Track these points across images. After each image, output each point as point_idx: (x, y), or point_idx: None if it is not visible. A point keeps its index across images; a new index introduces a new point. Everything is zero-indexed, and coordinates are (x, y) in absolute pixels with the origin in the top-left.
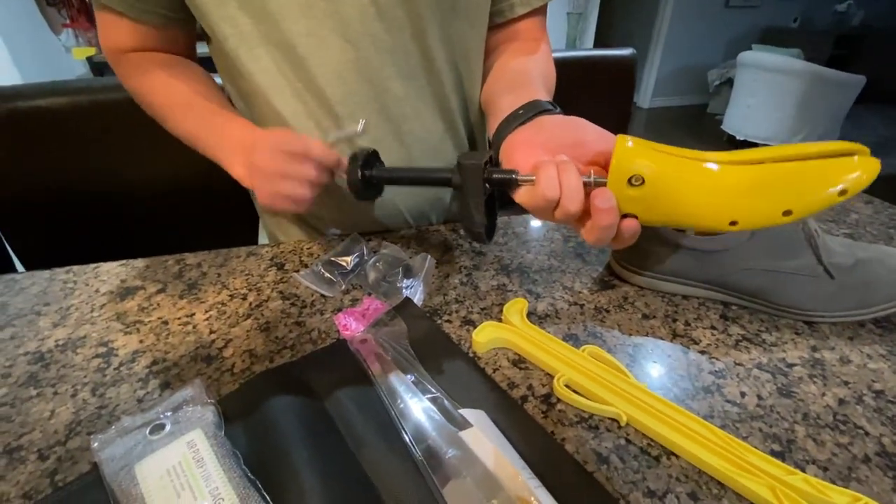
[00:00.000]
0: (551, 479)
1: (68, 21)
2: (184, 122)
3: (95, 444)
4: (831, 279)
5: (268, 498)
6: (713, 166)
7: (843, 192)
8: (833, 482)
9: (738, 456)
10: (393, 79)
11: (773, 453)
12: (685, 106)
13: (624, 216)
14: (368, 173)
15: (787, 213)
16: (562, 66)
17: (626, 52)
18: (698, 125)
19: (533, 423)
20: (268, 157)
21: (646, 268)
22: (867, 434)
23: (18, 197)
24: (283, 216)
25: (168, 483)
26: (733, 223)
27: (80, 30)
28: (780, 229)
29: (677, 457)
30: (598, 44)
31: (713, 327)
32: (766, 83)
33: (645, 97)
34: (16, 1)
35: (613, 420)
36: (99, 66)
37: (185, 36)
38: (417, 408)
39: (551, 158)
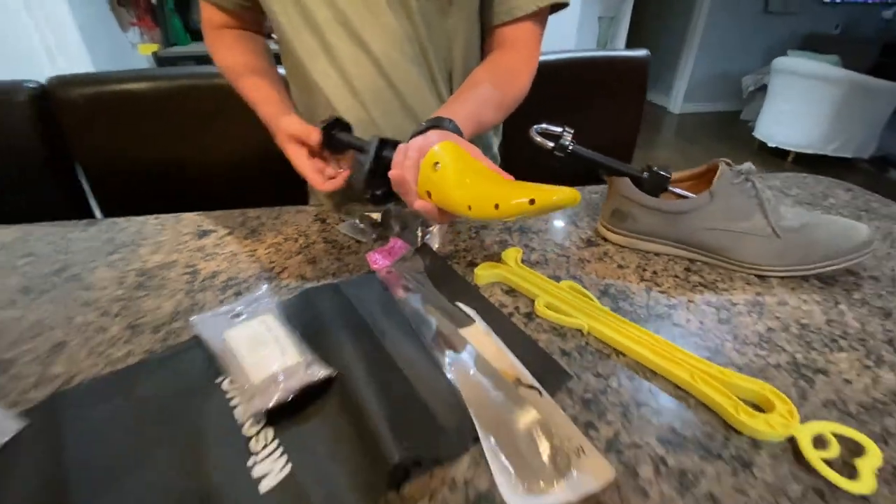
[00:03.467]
0: (526, 362)
1: (135, 20)
2: (242, 91)
3: (193, 319)
4: (778, 238)
5: (319, 358)
6: (483, 171)
7: (532, 202)
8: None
9: (668, 352)
10: (400, 64)
11: (697, 349)
12: (718, 112)
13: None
14: (334, 133)
15: (496, 206)
16: (577, 66)
17: (639, 53)
18: (730, 131)
19: (515, 327)
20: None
21: (624, 228)
22: (783, 350)
23: (108, 163)
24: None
25: (250, 342)
26: (469, 208)
27: (144, 28)
28: (735, 195)
29: (624, 356)
30: (630, 47)
31: (676, 276)
32: (801, 90)
33: (676, 103)
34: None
35: (578, 330)
36: (162, 61)
37: (255, 19)
38: (430, 314)
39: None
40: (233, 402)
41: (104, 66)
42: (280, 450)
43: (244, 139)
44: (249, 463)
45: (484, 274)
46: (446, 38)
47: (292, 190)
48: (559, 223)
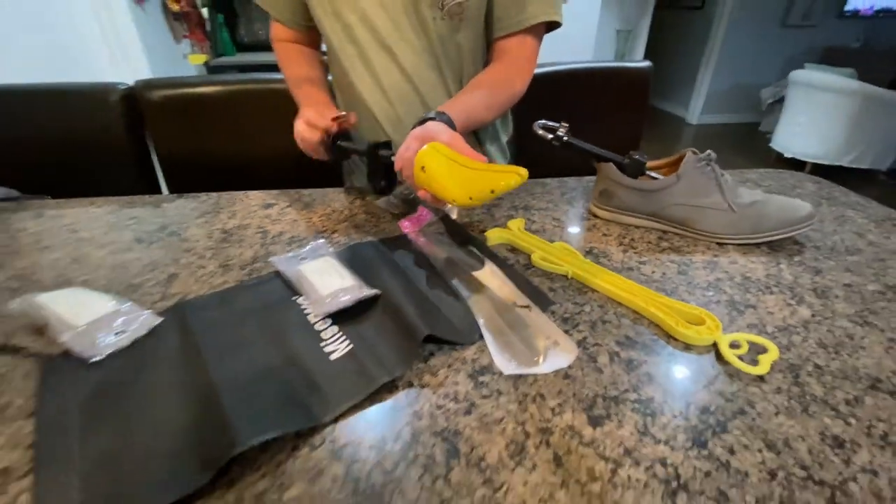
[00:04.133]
0: (521, 291)
1: (187, 33)
2: (297, 95)
3: (272, 259)
4: (734, 212)
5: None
6: (456, 168)
7: (492, 191)
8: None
9: (630, 289)
10: (421, 70)
11: (659, 294)
12: (736, 123)
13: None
14: (340, 143)
15: (470, 198)
16: (586, 75)
17: (642, 64)
18: (748, 143)
19: (514, 269)
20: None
21: (610, 205)
22: (724, 292)
23: (178, 152)
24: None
25: (318, 272)
26: (452, 200)
27: (195, 40)
28: (698, 176)
29: (597, 292)
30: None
31: (650, 242)
32: (817, 102)
33: (693, 113)
34: (152, 13)
35: (564, 275)
36: (211, 70)
37: (312, 37)
38: (449, 260)
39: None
40: (306, 311)
41: (158, 74)
42: (342, 336)
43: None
44: (321, 345)
45: (492, 236)
46: (457, 50)
47: (329, 179)
48: (560, 205)
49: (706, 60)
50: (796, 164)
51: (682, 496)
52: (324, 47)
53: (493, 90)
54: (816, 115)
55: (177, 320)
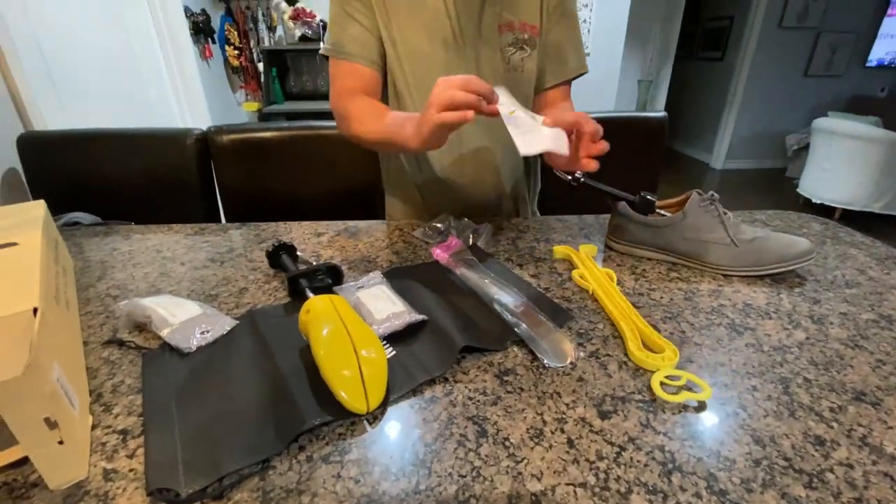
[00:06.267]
0: (542, 307)
1: (243, 84)
2: (375, 126)
3: (334, 289)
4: (736, 247)
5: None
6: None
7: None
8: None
9: (626, 311)
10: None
11: (665, 317)
12: (763, 169)
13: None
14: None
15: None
16: (606, 124)
17: (658, 114)
18: (775, 188)
19: (536, 290)
20: (438, 90)
21: (623, 239)
22: (726, 316)
23: (238, 187)
24: (406, 202)
25: (373, 298)
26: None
27: (249, 90)
28: (702, 214)
29: (606, 312)
30: (669, 108)
31: (660, 272)
32: (841, 149)
33: (718, 159)
34: (215, 68)
35: (589, 292)
36: (262, 116)
37: (380, 80)
38: (479, 283)
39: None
40: None
41: (217, 120)
42: (387, 344)
43: (336, 174)
44: None
45: (558, 250)
46: (519, 96)
47: (372, 214)
48: (577, 238)
49: (728, 108)
50: (825, 210)
51: (677, 475)
52: None
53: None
54: (841, 161)
55: (249, 324)
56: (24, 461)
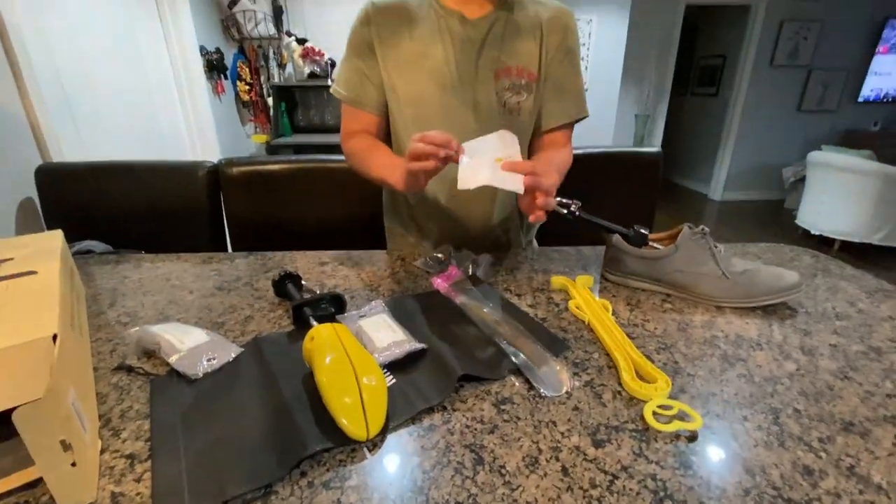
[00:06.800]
0: (540, 337)
1: (252, 117)
2: (371, 166)
3: (337, 317)
4: (727, 279)
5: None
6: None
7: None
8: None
9: (620, 341)
10: None
11: (659, 348)
12: (761, 200)
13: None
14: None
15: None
16: (603, 158)
17: (652, 150)
18: (773, 219)
19: (533, 320)
20: (411, 143)
21: (618, 270)
22: (718, 347)
23: (245, 217)
24: (406, 234)
25: (374, 326)
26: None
27: (258, 123)
28: (693, 247)
29: (601, 343)
30: (666, 142)
31: (654, 303)
32: (836, 182)
33: (716, 190)
34: (227, 102)
35: (585, 322)
36: (270, 148)
37: (384, 124)
38: (477, 311)
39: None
40: None
41: (226, 151)
42: (387, 372)
43: (340, 205)
44: None
45: (555, 281)
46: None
47: (375, 244)
48: (575, 269)
49: (724, 141)
50: (824, 241)
51: (668, 503)
52: None
53: (559, 165)
54: (838, 194)
55: (254, 352)
56: (36, 483)
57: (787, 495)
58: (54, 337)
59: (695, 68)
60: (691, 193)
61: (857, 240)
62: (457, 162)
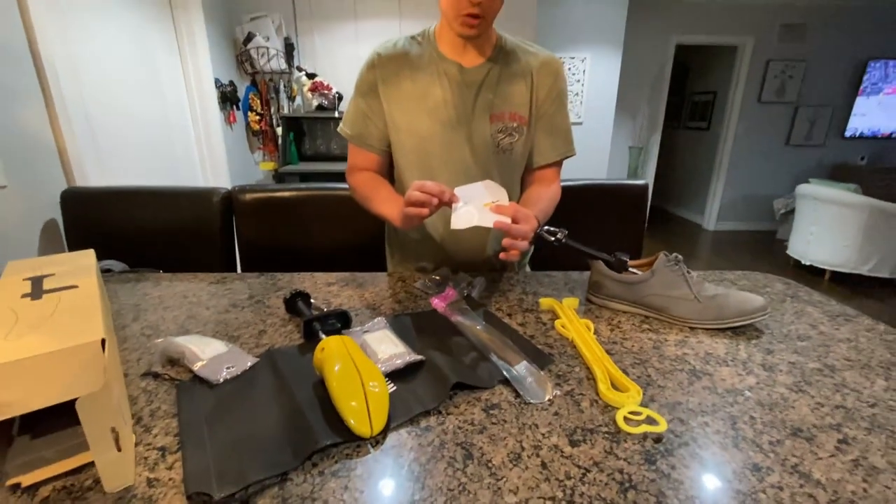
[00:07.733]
0: (527, 351)
1: (261, 146)
2: (372, 202)
3: (343, 331)
4: (699, 302)
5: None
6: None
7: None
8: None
9: (599, 355)
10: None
11: (634, 363)
12: (753, 231)
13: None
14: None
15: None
16: (591, 191)
17: (639, 182)
18: (766, 248)
19: (522, 336)
20: (409, 189)
21: (600, 293)
22: (688, 363)
23: (255, 241)
24: (405, 260)
25: (377, 340)
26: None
27: (266, 151)
28: (668, 273)
29: (582, 358)
30: (660, 173)
31: (633, 324)
32: (824, 214)
33: (710, 221)
34: (238, 131)
35: (569, 339)
36: (278, 176)
37: (386, 162)
38: (472, 329)
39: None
40: None
41: (236, 177)
42: (389, 381)
43: (345, 230)
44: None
45: (544, 302)
46: (506, 176)
47: (377, 266)
48: (562, 292)
49: (716, 173)
50: (817, 272)
51: (632, 492)
52: None
53: (549, 200)
54: (826, 225)
55: (269, 361)
56: (80, 469)
57: (737, 487)
58: (102, 341)
59: (687, 104)
60: (685, 223)
61: (846, 270)
62: (450, 207)
